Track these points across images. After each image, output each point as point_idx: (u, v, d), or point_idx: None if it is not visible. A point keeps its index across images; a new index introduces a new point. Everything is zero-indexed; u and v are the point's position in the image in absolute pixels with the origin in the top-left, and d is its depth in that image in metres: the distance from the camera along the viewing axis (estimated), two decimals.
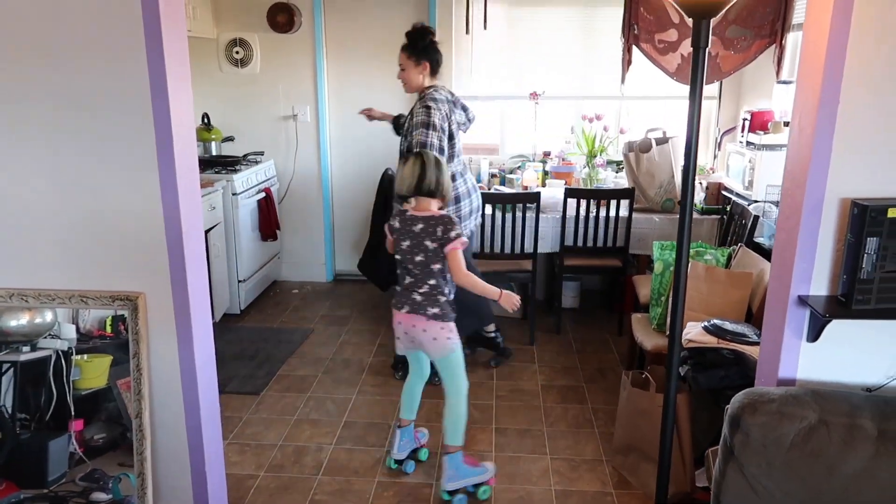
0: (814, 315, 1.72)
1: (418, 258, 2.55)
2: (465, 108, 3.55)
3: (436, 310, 2.55)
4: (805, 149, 1.68)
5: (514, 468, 2.82)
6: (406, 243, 2.57)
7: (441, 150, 3.20)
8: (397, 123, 3.78)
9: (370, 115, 3.87)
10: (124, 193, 1.79)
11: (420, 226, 2.54)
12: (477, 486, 2.63)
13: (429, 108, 3.23)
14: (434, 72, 3.37)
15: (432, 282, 2.56)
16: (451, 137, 3.31)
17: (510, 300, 2.60)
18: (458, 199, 3.36)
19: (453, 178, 3.27)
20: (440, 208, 2.61)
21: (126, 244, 1.83)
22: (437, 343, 2.58)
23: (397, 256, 2.63)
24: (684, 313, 2.02)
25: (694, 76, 1.53)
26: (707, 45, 1.54)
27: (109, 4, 1.68)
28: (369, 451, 2.93)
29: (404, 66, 3.35)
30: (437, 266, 2.54)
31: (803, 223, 1.70)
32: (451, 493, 2.60)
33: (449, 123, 3.30)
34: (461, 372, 2.65)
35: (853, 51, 1.58)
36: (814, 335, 1.75)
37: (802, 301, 1.74)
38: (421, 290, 2.57)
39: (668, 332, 2.90)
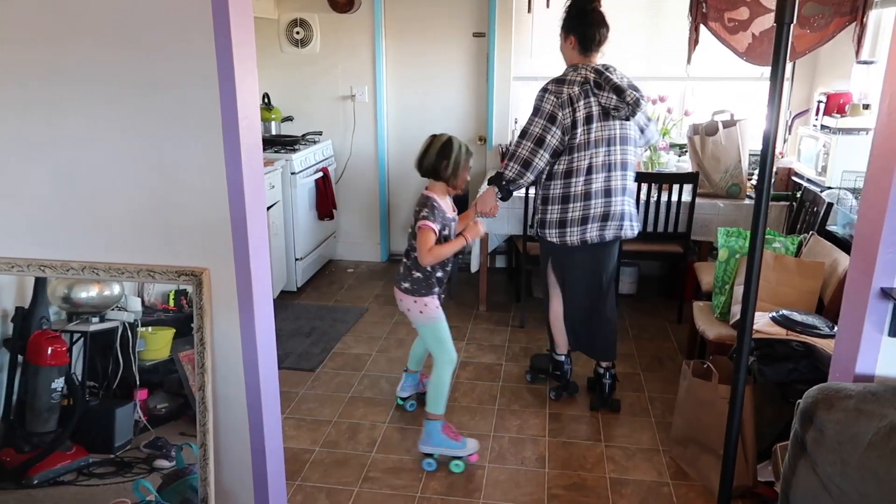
0: None
1: (409, 231, 2.74)
2: (618, 91, 2.77)
3: (407, 284, 2.73)
4: (894, 133, 1.58)
5: (568, 454, 2.78)
6: (446, 231, 2.70)
7: (540, 141, 2.81)
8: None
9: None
10: (191, 172, 1.82)
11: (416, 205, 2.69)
12: (451, 456, 2.72)
13: (545, 91, 2.85)
14: (585, 48, 2.87)
15: (414, 255, 2.69)
16: (573, 125, 2.80)
17: (475, 229, 2.74)
18: (565, 200, 2.89)
19: (568, 174, 2.85)
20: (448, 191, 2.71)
21: (192, 221, 1.86)
22: (411, 314, 2.77)
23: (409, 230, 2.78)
24: None
25: (776, 55, 1.45)
26: (793, 21, 1.45)
27: None
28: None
29: (560, 39, 2.94)
30: (414, 242, 2.68)
31: (890, 211, 1.59)
32: (425, 455, 2.73)
33: (573, 110, 2.78)
34: (444, 344, 2.76)
35: None
36: None
37: (886, 293, 1.64)
38: (404, 263, 2.76)
39: (731, 322, 2.81)
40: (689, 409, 2.64)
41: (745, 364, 1.70)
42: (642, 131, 3.03)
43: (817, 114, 3.79)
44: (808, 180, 3.67)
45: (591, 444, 2.85)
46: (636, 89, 2.81)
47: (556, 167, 2.89)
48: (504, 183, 2.90)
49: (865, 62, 3.68)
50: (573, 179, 2.86)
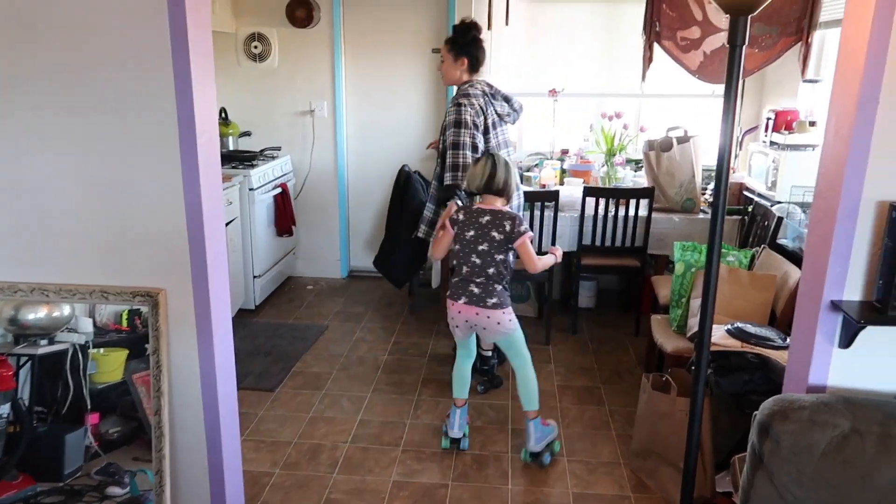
0: (847, 321, 1.68)
1: (481, 247, 2.74)
2: (507, 99, 3.43)
3: (494, 299, 2.75)
4: (841, 150, 1.64)
5: (531, 470, 2.79)
6: (470, 233, 2.75)
7: (474, 148, 3.20)
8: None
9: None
10: (147, 190, 1.78)
11: (487, 218, 2.74)
12: (550, 443, 2.87)
13: (459, 105, 3.21)
14: (473, 68, 3.34)
15: (491, 270, 2.74)
16: (486, 132, 3.28)
17: (557, 252, 2.94)
18: None
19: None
20: (504, 205, 2.81)
21: (147, 240, 1.81)
22: (500, 327, 2.78)
23: (457, 247, 2.79)
24: None
25: (730, 74, 1.49)
26: (745, 43, 1.50)
27: (133, 1, 1.66)
28: (385, 449, 2.91)
29: (444, 58, 3.35)
30: (500, 256, 2.74)
31: (838, 226, 1.65)
32: (537, 454, 2.82)
33: (485, 118, 3.27)
34: (523, 344, 2.86)
35: (895, 49, 1.53)
36: (846, 341, 1.70)
37: (835, 306, 1.70)
38: (478, 280, 2.75)
39: (689, 335, 2.87)
40: (648, 421, 2.67)
41: (704, 377, 1.73)
42: None
43: (766, 130, 3.91)
44: (759, 195, 3.78)
45: (554, 459, 2.85)
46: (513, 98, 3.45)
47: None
48: (460, 191, 3.16)
49: (811, 81, 3.83)
50: None
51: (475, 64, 3.34)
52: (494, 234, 2.71)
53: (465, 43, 3.30)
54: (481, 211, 2.75)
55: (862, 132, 1.58)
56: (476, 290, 2.74)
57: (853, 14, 1.60)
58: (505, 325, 2.77)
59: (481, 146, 3.26)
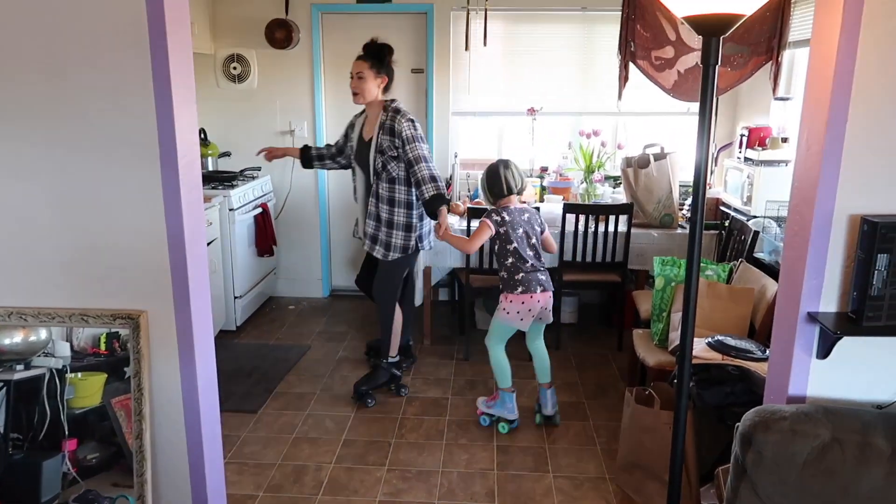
0: (824, 332, 1.71)
1: (532, 240, 3.14)
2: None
3: (551, 281, 3.22)
4: (813, 166, 1.68)
5: (517, 486, 2.78)
6: (521, 231, 3.10)
7: (430, 159, 3.31)
8: (307, 156, 3.73)
9: (271, 155, 3.76)
10: (127, 211, 1.77)
11: (527, 215, 3.16)
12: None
13: (412, 121, 3.28)
14: (387, 88, 3.39)
15: (542, 258, 3.18)
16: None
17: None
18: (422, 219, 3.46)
19: (411, 204, 3.39)
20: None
21: (128, 262, 1.80)
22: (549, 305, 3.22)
23: (512, 245, 3.09)
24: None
25: (704, 94, 1.53)
26: (717, 63, 1.53)
27: (115, 23, 1.66)
28: (369, 469, 2.89)
29: (364, 75, 3.29)
30: (538, 244, 3.18)
31: (812, 240, 1.69)
32: (550, 416, 3.27)
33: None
34: None
35: (862, 67, 1.58)
36: (824, 352, 1.74)
37: (812, 318, 1.73)
38: (540, 269, 3.15)
39: (670, 348, 2.90)
40: (633, 435, 2.68)
41: (687, 390, 1.75)
42: None
43: (741, 147, 3.99)
44: (735, 210, 3.85)
45: (539, 476, 2.85)
46: None
47: (410, 195, 3.35)
48: (449, 200, 3.34)
49: (782, 98, 3.92)
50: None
51: (390, 84, 3.39)
52: (536, 227, 3.15)
53: (387, 62, 3.35)
54: (520, 209, 3.14)
55: (833, 148, 1.63)
56: (543, 278, 3.15)
57: (820, 34, 1.66)
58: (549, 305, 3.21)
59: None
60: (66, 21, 1.68)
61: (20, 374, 1.91)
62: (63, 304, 1.84)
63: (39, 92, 1.71)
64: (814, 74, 1.69)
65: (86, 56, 1.69)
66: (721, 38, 1.52)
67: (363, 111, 3.49)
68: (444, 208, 3.21)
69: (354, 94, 3.32)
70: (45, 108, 1.72)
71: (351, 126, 3.57)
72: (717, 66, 1.54)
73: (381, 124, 3.30)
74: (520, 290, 3.09)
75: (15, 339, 1.91)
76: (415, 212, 3.40)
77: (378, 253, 3.44)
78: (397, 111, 3.30)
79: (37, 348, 1.92)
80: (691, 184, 1.66)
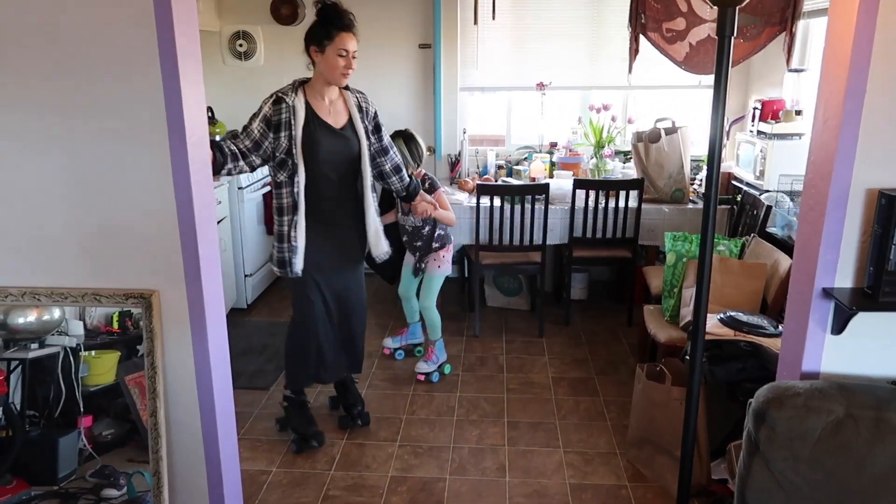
0: (839, 307, 1.70)
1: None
2: None
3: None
4: (830, 139, 1.65)
5: (528, 462, 2.80)
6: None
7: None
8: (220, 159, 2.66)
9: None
10: (138, 191, 1.76)
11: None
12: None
13: (375, 110, 2.88)
14: None
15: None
16: None
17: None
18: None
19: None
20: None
21: (140, 242, 1.80)
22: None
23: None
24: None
25: (719, 66, 1.50)
26: (733, 34, 1.50)
27: (121, 3, 1.64)
28: (381, 445, 2.92)
29: (356, 56, 2.70)
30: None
31: (828, 214, 1.67)
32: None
33: None
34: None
35: (881, 38, 1.54)
36: (839, 328, 1.72)
37: (827, 293, 1.71)
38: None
39: (682, 324, 2.89)
40: (643, 411, 2.69)
41: (700, 366, 1.75)
42: None
43: (753, 120, 3.93)
44: (747, 184, 3.81)
45: (550, 451, 2.87)
46: None
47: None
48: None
49: (796, 70, 3.85)
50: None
51: None
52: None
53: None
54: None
55: (850, 121, 1.60)
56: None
57: (839, 4, 1.61)
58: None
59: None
60: (71, 4, 1.66)
61: (35, 352, 1.93)
62: (76, 284, 1.85)
63: (48, 77, 1.69)
64: (831, 45, 1.65)
65: (94, 39, 1.66)
66: (737, 7, 1.49)
67: (295, 91, 2.76)
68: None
69: (343, 77, 2.69)
70: (54, 92, 1.70)
71: (290, 111, 2.69)
72: (732, 38, 1.51)
73: (358, 106, 2.79)
74: (446, 241, 3.51)
75: (29, 318, 1.92)
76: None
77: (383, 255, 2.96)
78: (363, 97, 2.82)
79: (50, 327, 1.93)
80: (703, 158, 1.64)
